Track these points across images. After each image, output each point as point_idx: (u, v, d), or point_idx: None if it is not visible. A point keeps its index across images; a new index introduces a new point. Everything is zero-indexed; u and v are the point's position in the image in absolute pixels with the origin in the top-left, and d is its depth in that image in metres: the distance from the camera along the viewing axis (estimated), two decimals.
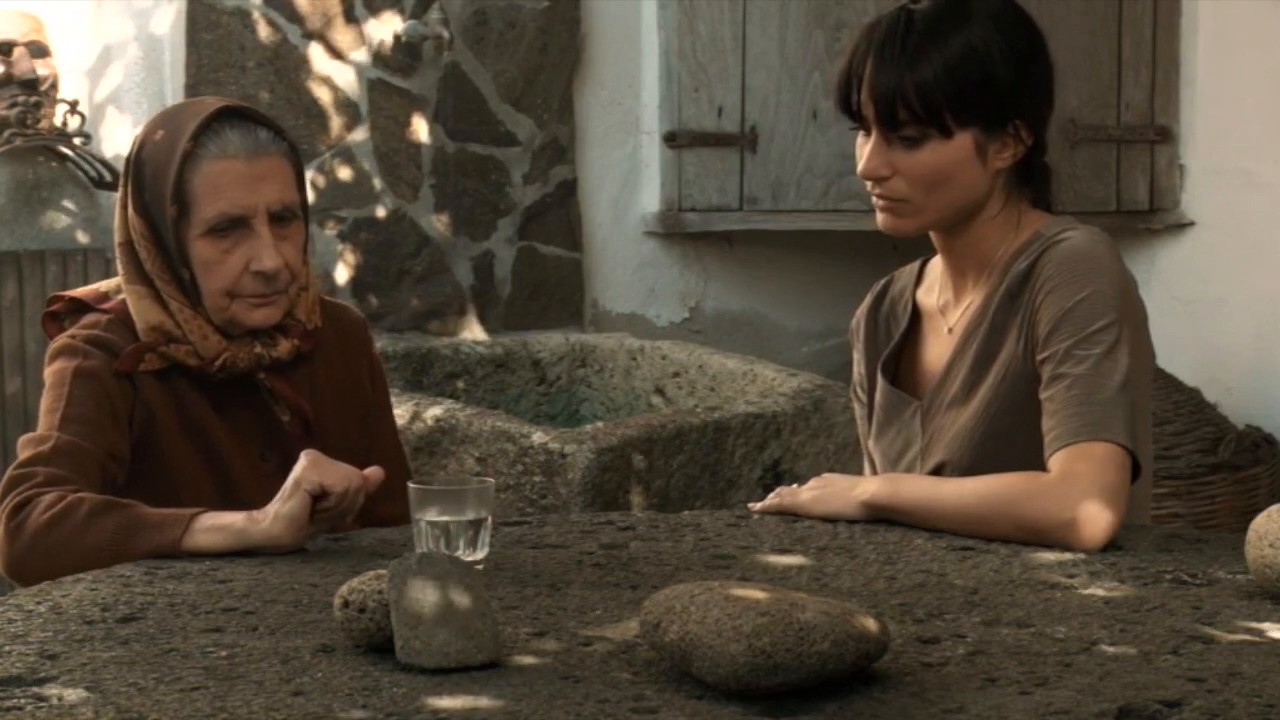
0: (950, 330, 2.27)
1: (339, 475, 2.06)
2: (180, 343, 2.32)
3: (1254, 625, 1.69)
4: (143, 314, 2.33)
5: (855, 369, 2.42)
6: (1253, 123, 4.81)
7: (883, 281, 2.41)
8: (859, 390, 2.41)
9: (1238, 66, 4.84)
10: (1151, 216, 4.97)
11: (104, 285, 2.43)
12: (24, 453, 2.22)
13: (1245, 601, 1.78)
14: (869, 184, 2.22)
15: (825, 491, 2.20)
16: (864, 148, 2.21)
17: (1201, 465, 4.40)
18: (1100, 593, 1.82)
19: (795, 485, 2.25)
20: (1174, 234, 4.92)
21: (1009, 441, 2.14)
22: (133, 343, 2.31)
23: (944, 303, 2.30)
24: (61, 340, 2.33)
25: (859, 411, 2.42)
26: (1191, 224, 4.99)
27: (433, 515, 1.95)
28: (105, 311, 2.35)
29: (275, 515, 2.03)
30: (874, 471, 2.37)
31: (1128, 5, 5.02)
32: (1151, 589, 1.84)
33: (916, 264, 2.38)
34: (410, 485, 1.99)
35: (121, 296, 2.37)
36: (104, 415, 2.26)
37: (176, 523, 2.05)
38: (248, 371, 2.36)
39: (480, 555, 1.96)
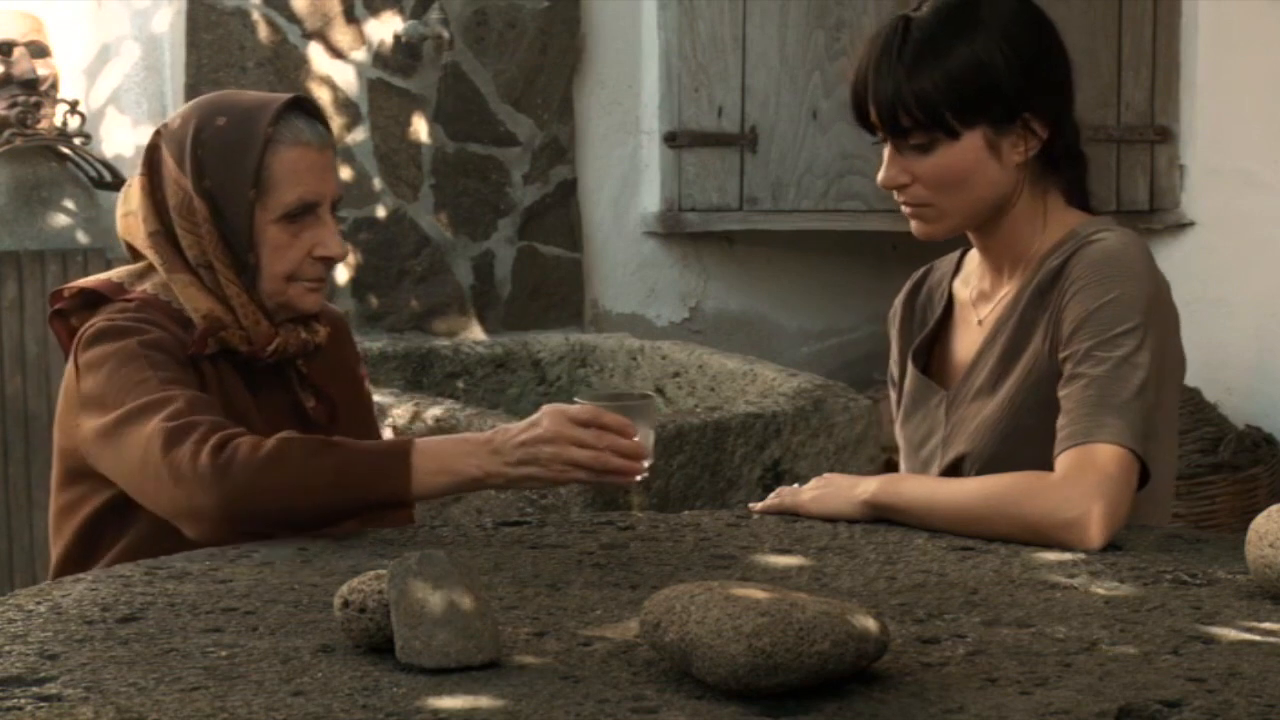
0: (981, 322, 2.28)
1: (584, 464, 2.09)
2: (231, 329, 2.33)
3: (1254, 625, 1.69)
4: (191, 301, 2.32)
5: (891, 355, 2.43)
6: (1253, 123, 4.81)
7: (923, 269, 2.43)
8: (893, 377, 2.42)
9: (1238, 66, 4.84)
10: (1151, 216, 4.97)
11: (114, 275, 2.41)
12: (148, 416, 2.15)
13: (1245, 601, 1.78)
14: (894, 193, 2.23)
15: (826, 491, 2.20)
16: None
17: (1201, 465, 4.40)
18: (1100, 593, 1.82)
19: (795, 485, 2.25)
20: (1174, 234, 4.92)
21: (1031, 438, 2.13)
22: (168, 328, 2.30)
23: (977, 294, 2.31)
24: (101, 323, 2.29)
25: (893, 397, 2.42)
26: (1191, 224, 4.99)
27: None
28: (130, 300, 2.34)
29: (509, 480, 2.09)
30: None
31: (1128, 5, 5.02)
32: (1151, 589, 1.84)
33: (957, 253, 2.39)
34: (580, 399, 2.12)
35: (143, 286, 2.36)
36: (191, 378, 2.26)
37: (397, 462, 2.07)
38: (294, 357, 2.39)
39: (646, 464, 2.09)
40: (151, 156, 2.38)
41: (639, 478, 2.11)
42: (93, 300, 2.36)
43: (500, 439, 2.09)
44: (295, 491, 2.07)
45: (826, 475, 2.26)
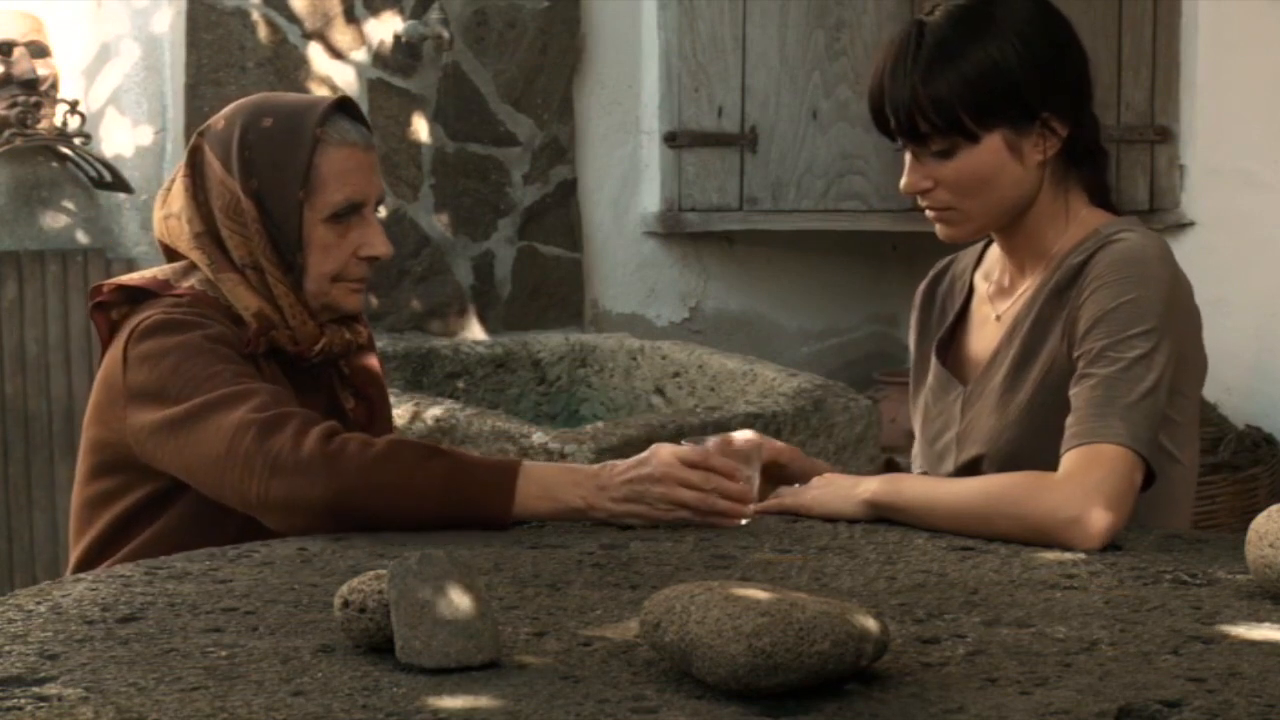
0: (999, 318, 2.28)
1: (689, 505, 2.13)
2: (280, 328, 2.34)
3: (1254, 625, 1.69)
4: (241, 300, 2.33)
5: (910, 340, 2.44)
6: (1253, 123, 4.81)
7: (946, 259, 2.43)
8: (911, 362, 2.44)
9: (1238, 66, 4.84)
10: (1151, 216, 4.97)
11: (158, 273, 2.41)
12: (230, 407, 2.15)
13: (1245, 601, 1.78)
14: (917, 198, 2.23)
15: (826, 491, 2.20)
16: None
17: (1201, 465, 4.38)
18: (1100, 593, 1.82)
19: (796, 485, 2.25)
20: (1174, 234, 4.92)
21: (1050, 437, 2.12)
22: (219, 324, 2.30)
23: (995, 289, 2.31)
24: (159, 316, 2.28)
25: (910, 383, 2.43)
26: (1191, 224, 4.99)
27: None
28: (181, 295, 2.34)
29: (611, 515, 2.11)
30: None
31: (1128, 5, 5.02)
32: (1151, 589, 1.84)
33: (980, 244, 2.39)
34: (686, 444, 2.17)
35: (189, 283, 2.36)
36: (255, 374, 2.26)
37: (503, 480, 2.10)
38: (338, 357, 2.41)
39: (749, 509, 2.14)
40: (194, 158, 2.38)
41: (743, 521, 2.15)
42: (136, 295, 2.36)
43: (608, 474, 2.12)
44: (403, 493, 2.08)
45: (827, 475, 2.26)
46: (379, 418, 2.50)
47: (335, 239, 2.36)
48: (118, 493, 2.31)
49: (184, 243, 2.37)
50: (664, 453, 2.13)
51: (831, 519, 2.17)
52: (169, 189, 2.41)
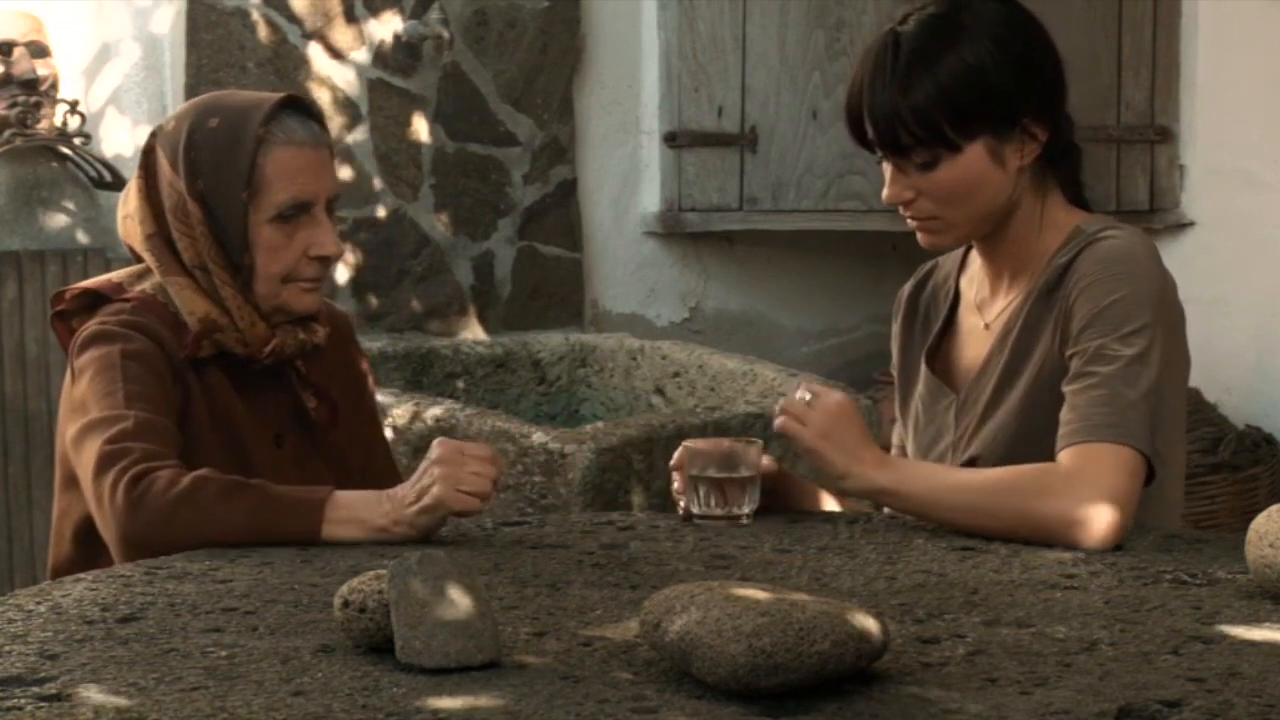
0: (988, 326, 2.27)
1: (477, 492, 2.08)
2: (227, 331, 2.33)
3: (1254, 625, 1.69)
4: (187, 304, 2.32)
5: (892, 345, 2.42)
6: (1253, 123, 4.81)
7: (928, 265, 2.42)
8: (891, 367, 2.42)
9: (1238, 66, 4.84)
10: (1151, 216, 4.97)
11: (114, 276, 2.41)
12: (98, 433, 2.16)
13: (1245, 601, 1.78)
14: (899, 207, 2.22)
15: (832, 443, 2.13)
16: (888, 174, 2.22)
17: (1201, 465, 4.39)
18: (1100, 593, 1.82)
19: (801, 396, 2.17)
20: (1174, 234, 4.92)
21: (1043, 439, 2.11)
22: (164, 329, 2.30)
23: (981, 299, 2.30)
24: (94, 327, 2.29)
25: (896, 387, 2.42)
26: (1191, 224, 4.99)
27: (711, 472, 2.16)
28: (127, 300, 2.34)
29: (413, 525, 2.06)
30: (901, 439, 2.38)
31: (1128, 5, 5.02)
32: (1151, 589, 1.84)
33: (961, 250, 2.38)
34: (686, 444, 2.18)
35: (141, 286, 2.36)
36: (161, 393, 2.25)
37: (310, 510, 2.07)
38: (292, 358, 2.39)
39: (749, 509, 2.16)
40: (147, 159, 2.37)
41: (743, 521, 2.15)
42: (93, 301, 2.36)
43: (403, 490, 2.09)
44: (204, 534, 2.05)
45: (831, 400, 2.17)
46: (356, 419, 2.48)
47: (283, 239, 2.33)
48: (75, 506, 2.31)
49: (138, 244, 2.37)
50: (435, 442, 2.12)
51: (836, 493, 2.18)
52: (129, 189, 2.41)
